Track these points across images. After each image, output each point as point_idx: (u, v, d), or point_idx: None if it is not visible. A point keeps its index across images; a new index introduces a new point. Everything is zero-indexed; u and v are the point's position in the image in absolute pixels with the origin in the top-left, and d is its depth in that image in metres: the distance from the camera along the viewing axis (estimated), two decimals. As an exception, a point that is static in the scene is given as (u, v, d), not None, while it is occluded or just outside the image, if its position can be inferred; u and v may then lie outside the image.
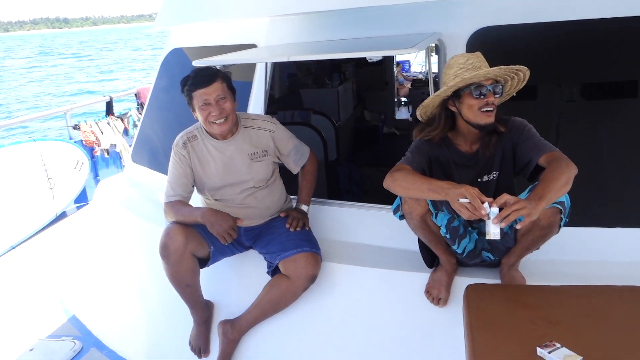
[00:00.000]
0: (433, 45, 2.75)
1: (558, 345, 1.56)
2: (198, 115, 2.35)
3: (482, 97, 1.93)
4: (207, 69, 2.36)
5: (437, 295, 2.24)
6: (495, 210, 1.72)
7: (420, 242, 2.29)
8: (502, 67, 1.93)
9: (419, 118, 2.17)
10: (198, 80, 2.29)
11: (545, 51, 2.49)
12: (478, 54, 1.99)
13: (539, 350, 1.56)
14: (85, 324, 3.16)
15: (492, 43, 2.46)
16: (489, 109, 1.94)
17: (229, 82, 2.37)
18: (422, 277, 2.32)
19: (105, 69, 38.18)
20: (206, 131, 2.45)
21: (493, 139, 2.06)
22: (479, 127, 1.99)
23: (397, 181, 1.96)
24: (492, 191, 2.10)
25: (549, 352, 1.53)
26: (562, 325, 1.69)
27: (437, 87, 2.56)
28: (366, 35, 2.75)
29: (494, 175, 2.11)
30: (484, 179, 2.11)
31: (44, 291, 3.58)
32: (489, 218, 1.72)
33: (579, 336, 1.63)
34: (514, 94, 2.11)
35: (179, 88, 2.39)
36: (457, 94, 1.98)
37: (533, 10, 2.41)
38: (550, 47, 2.48)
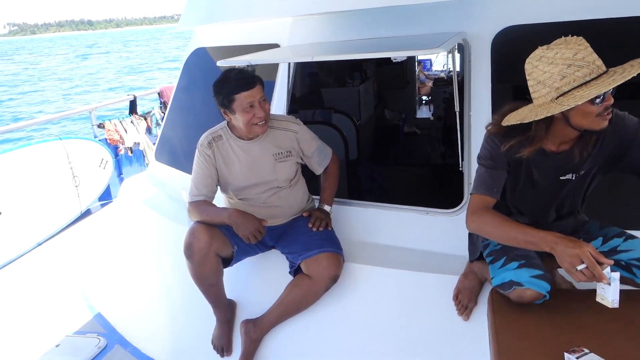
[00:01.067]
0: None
1: (586, 350, 1.53)
2: (239, 117, 2.33)
3: (602, 101, 1.58)
4: (245, 72, 2.35)
5: (466, 303, 2.18)
6: (616, 275, 1.49)
7: (470, 237, 2.19)
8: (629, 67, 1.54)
9: (503, 124, 1.77)
10: (242, 83, 2.28)
11: None
12: (582, 41, 1.58)
13: (566, 355, 1.53)
14: (109, 321, 3.21)
15: (518, 42, 2.43)
16: (607, 112, 1.62)
17: (263, 84, 2.38)
18: (445, 279, 2.30)
19: (130, 70, 38.73)
20: (231, 131, 2.46)
21: (592, 139, 1.75)
22: (591, 132, 1.69)
23: (484, 229, 1.79)
24: (581, 188, 1.91)
25: (577, 358, 1.50)
26: (590, 330, 1.66)
27: (460, 85, 2.54)
28: (389, 34, 2.73)
29: (581, 175, 1.86)
30: (568, 177, 1.86)
31: (69, 288, 3.65)
32: (609, 284, 1.51)
33: (607, 342, 1.59)
34: None
35: (202, 87, 2.39)
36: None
37: (559, 9, 2.37)
38: None
